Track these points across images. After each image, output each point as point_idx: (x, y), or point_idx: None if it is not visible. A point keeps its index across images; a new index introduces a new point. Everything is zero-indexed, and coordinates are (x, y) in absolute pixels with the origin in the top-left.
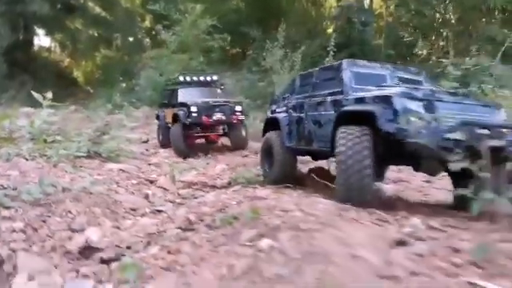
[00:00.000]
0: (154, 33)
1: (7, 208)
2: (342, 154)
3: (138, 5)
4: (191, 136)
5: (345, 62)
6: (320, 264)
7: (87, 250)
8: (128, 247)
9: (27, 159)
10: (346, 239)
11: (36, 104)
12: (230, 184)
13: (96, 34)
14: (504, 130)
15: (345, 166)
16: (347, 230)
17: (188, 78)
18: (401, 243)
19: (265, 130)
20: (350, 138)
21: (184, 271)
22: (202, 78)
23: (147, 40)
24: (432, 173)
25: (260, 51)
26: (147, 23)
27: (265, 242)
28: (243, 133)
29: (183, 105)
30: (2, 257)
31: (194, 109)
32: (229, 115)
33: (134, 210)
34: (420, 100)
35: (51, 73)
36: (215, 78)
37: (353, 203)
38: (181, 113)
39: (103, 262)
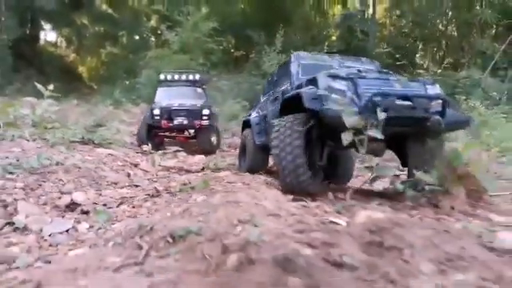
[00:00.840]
0: (159, 32)
1: (11, 173)
2: (275, 147)
3: (145, 4)
4: (158, 135)
5: (293, 56)
6: (231, 208)
7: (72, 205)
8: (104, 204)
9: (28, 140)
10: (258, 196)
11: (39, 95)
12: (203, 169)
13: (102, 31)
14: (431, 102)
15: (277, 159)
16: (263, 191)
17: (169, 77)
18: (296, 200)
19: (243, 130)
20: (281, 130)
21: (141, 217)
22: (183, 77)
23: (152, 39)
24: (376, 154)
25: (261, 55)
26: (153, 22)
27: (201, 198)
28: (212, 137)
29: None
30: (7, 202)
31: (156, 112)
32: (192, 120)
33: (115, 183)
34: (343, 79)
35: (56, 67)
36: (198, 77)
37: (293, 189)
38: (147, 114)
39: (83, 212)
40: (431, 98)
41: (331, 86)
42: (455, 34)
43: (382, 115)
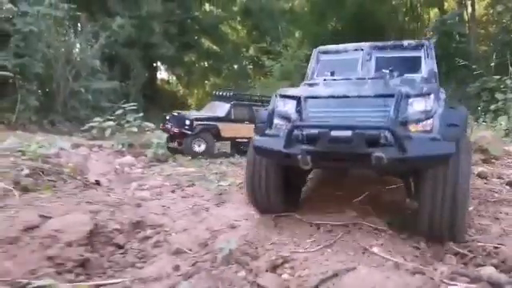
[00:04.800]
0: (256, 59)
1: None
2: (246, 166)
3: (243, 36)
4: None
5: (314, 51)
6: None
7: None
8: None
9: None
10: None
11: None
12: None
13: (207, 65)
14: (380, 134)
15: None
16: None
17: (220, 93)
18: None
19: None
20: (250, 150)
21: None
22: (224, 94)
23: (249, 67)
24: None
25: None
26: (251, 52)
27: None
28: (196, 143)
29: None
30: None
31: (167, 117)
32: (172, 126)
33: None
34: (293, 98)
35: (171, 103)
36: (231, 94)
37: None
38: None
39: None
40: (377, 129)
41: (277, 108)
42: None
43: (301, 151)
